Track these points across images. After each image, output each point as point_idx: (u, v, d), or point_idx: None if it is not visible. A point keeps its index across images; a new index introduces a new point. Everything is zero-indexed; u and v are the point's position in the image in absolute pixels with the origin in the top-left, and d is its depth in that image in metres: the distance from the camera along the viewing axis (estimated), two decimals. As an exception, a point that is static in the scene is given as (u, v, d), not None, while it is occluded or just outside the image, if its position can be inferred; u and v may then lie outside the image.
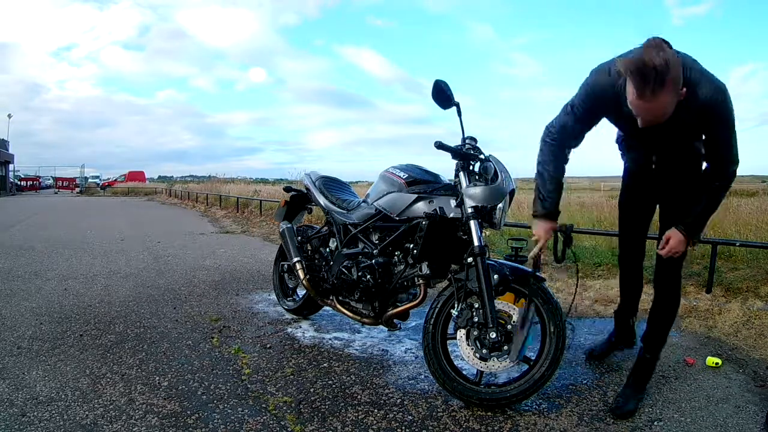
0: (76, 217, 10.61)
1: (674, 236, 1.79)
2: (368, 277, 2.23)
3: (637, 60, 1.47)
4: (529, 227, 3.12)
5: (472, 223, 1.92)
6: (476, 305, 1.90)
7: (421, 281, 2.13)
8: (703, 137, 1.77)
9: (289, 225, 2.86)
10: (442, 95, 2.02)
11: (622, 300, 2.33)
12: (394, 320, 2.26)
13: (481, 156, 2.05)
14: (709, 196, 1.78)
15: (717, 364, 2.32)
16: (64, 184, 34.84)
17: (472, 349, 1.90)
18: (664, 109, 1.54)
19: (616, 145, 2.17)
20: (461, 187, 1.98)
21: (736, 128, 1.68)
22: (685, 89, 1.56)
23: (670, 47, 1.54)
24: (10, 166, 30.09)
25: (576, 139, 1.91)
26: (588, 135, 1.93)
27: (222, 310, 3.19)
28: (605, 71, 1.74)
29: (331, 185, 2.82)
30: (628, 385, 1.97)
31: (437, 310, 2.01)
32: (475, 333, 1.89)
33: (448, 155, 2.01)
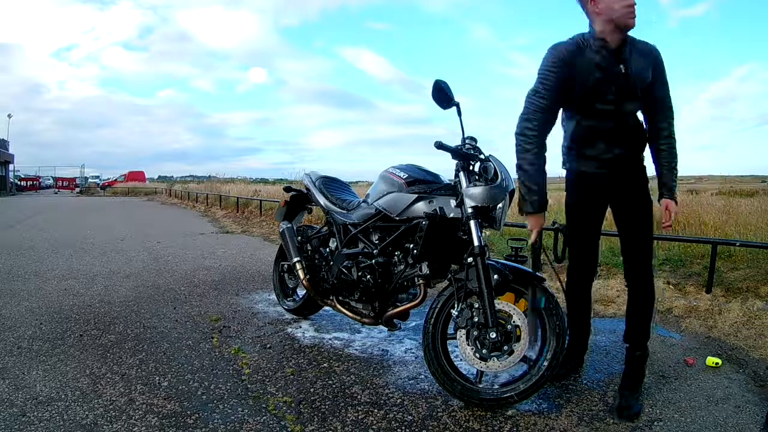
0: (76, 217, 10.61)
1: (670, 204, 1.94)
2: (368, 277, 2.23)
3: None
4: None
5: (472, 223, 1.92)
6: (476, 305, 1.90)
7: (421, 281, 2.13)
8: (648, 93, 1.90)
9: (289, 225, 2.86)
10: (442, 95, 2.02)
11: (572, 322, 2.16)
12: (394, 320, 2.26)
13: (481, 156, 2.05)
14: (669, 149, 1.95)
15: (717, 364, 2.32)
16: (64, 184, 34.87)
17: (472, 349, 1.90)
18: None
19: (563, 149, 2.07)
20: (461, 187, 1.98)
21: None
22: None
23: None
24: (10, 166, 30.10)
25: (551, 122, 1.94)
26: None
27: (222, 310, 3.19)
28: (561, 42, 1.89)
29: (331, 185, 2.82)
30: (625, 386, 1.94)
31: (437, 310, 2.01)
32: (475, 333, 1.89)
33: (448, 155, 2.01)
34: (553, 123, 1.94)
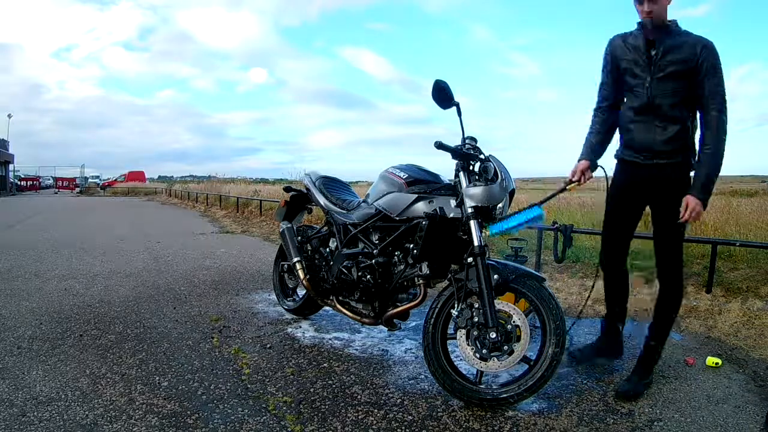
0: (76, 217, 10.61)
1: (691, 201, 1.90)
2: (368, 277, 2.23)
3: None
4: (530, 227, 3.17)
5: (472, 223, 1.92)
6: (476, 305, 1.90)
7: (421, 281, 2.13)
8: (689, 87, 1.95)
9: (289, 225, 2.86)
10: (442, 95, 2.02)
11: (609, 306, 2.33)
12: (394, 320, 2.26)
13: (481, 156, 2.05)
14: (709, 149, 1.92)
15: (717, 364, 2.32)
16: (64, 184, 34.85)
17: (472, 349, 1.90)
18: None
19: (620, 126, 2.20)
20: (461, 187, 1.98)
21: (724, 78, 1.92)
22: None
23: None
24: (10, 166, 30.10)
25: (616, 94, 2.17)
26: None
27: (222, 310, 3.19)
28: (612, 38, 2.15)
29: (331, 185, 2.82)
30: (636, 371, 2.08)
31: (437, 310, 2.01)
32: (475, 333, 1.89)
33: (448, 155, 2.01)
34: (618, 94, 2.17)
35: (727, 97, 1.93)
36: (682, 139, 1.99)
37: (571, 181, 2.19)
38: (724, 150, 1.93)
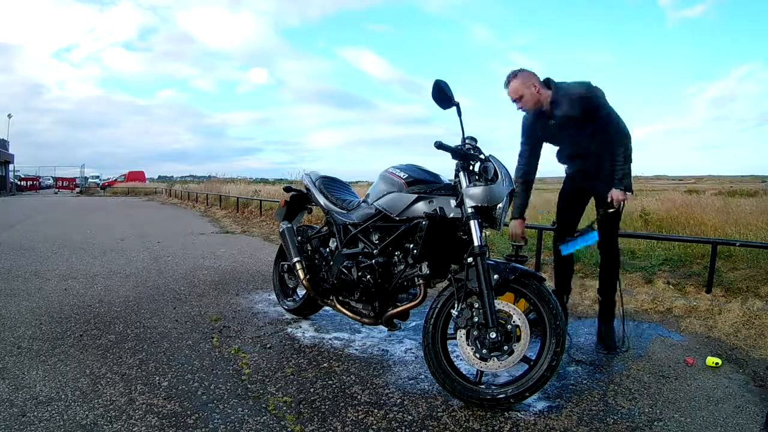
0: (76, 217, 10.61)
1: (614, 192, 2.43)
2: (368, 277, 2.23)
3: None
4: (530, 227, 3.86)
5: (472, 223, 1.92)
6: (476, 305, 1.90)
7: (421, 281, 2.13)
8: (590, 127, 2.48)
9: (289, 225, 2.86)
10: (442, 95, 2.02)
11: (557, 279, 2.81)
12: (394, 320, 2.26)
13: (481, 156, 2.05)
14: (611, 153, 2.47)
15: (717, 364, 2.32)
16: (64, 184, 34.84)
17: (472, 349, 1.90)
18: (519, 91, 2.47)
19: (556, 158, 2.78)
20: (461, 187, 1.98)
21: (610, 106, 2.45)
22: (541, 88, 2.47)
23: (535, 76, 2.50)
24: (10, 166, 30.09)
25: (533, 156, 2.69)
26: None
27: (222, 310, 3.19)
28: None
29: (331, 185, 2.82)
30: (602, 322, 2.65)
31: (437, 310, 2.01)
32: (475, 333, 1.89)
33: (448, 155, 2.01)
34: (536, 156, 2.71)
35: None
36: None
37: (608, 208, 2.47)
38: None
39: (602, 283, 2.66)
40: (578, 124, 2.49)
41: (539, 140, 2.66)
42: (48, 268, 4.52)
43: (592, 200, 2.70)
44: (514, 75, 2.48)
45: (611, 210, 2.46)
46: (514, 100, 2.52)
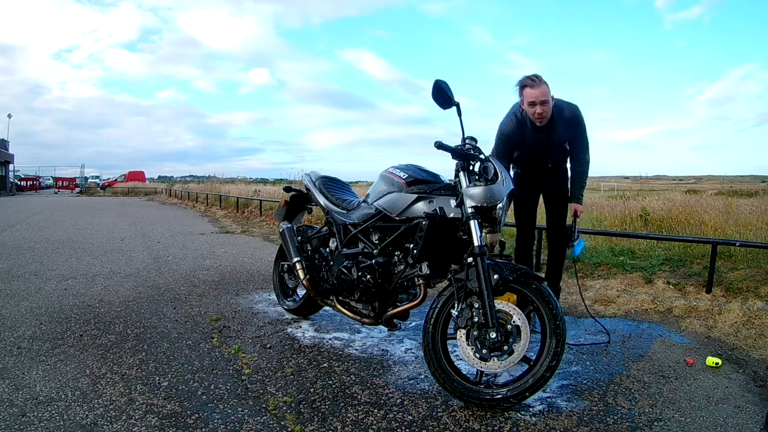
0: (76, 217, 10.61)
1: (575, 206, 2.81)
2: (368, 277, 2.23)
3: (524, 77, 2.57)
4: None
5: (472, 223, 1.92)
6: (476, 305, 1.90)
7: (421, 281, 2.13)
8: (568, 145, 2.75)
9: (289, 225, 2.86)
10: (442, 95, 2.02)
11: (517, 258, 2.98)
12: (394, 320, 2.26)
13: (481, 156, 2.05)
14: (577, 176, 2.81)
15: (717, 364, 2.32)
16: (64, 184, 34.81)
17: (472, 349, 1.90)
18: (548, 94, 2.52)
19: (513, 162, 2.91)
20: (461, 187, 1.98)
21: (587, 132, 2.75)
22: (554, 98, 2.58)
23: None
24: (10, 166, 30.08)
25: (508, 164, 2.77)
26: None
27: (222, 310, 3.19)
28: (507, 117, 2.74)
29: (331, 185, 2.82)
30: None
31: (437, 310, 2.01)
32: (475, 333, 1.89)
33: (448, 155, 2.01)
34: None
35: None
36: None
37: None
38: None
39: (550, 271, 2.98)
40: (566, 141, 2.72)
41: (513, 149, 2.77)
42: (48, 268, 4.52)
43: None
44: (539, 79, 2.52)
45: (577, 218, 2.84)
46: (541, 102, 2.51)
